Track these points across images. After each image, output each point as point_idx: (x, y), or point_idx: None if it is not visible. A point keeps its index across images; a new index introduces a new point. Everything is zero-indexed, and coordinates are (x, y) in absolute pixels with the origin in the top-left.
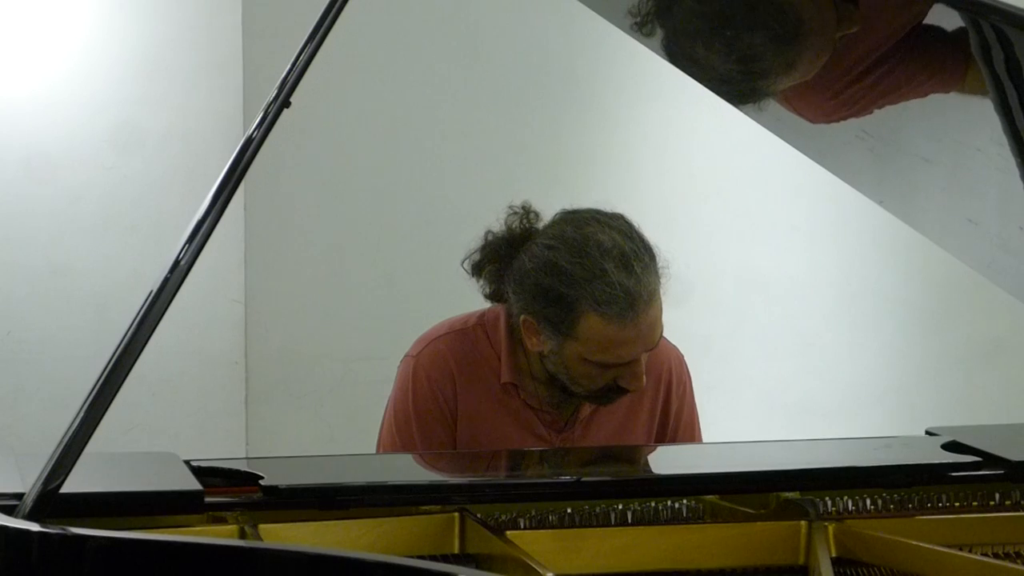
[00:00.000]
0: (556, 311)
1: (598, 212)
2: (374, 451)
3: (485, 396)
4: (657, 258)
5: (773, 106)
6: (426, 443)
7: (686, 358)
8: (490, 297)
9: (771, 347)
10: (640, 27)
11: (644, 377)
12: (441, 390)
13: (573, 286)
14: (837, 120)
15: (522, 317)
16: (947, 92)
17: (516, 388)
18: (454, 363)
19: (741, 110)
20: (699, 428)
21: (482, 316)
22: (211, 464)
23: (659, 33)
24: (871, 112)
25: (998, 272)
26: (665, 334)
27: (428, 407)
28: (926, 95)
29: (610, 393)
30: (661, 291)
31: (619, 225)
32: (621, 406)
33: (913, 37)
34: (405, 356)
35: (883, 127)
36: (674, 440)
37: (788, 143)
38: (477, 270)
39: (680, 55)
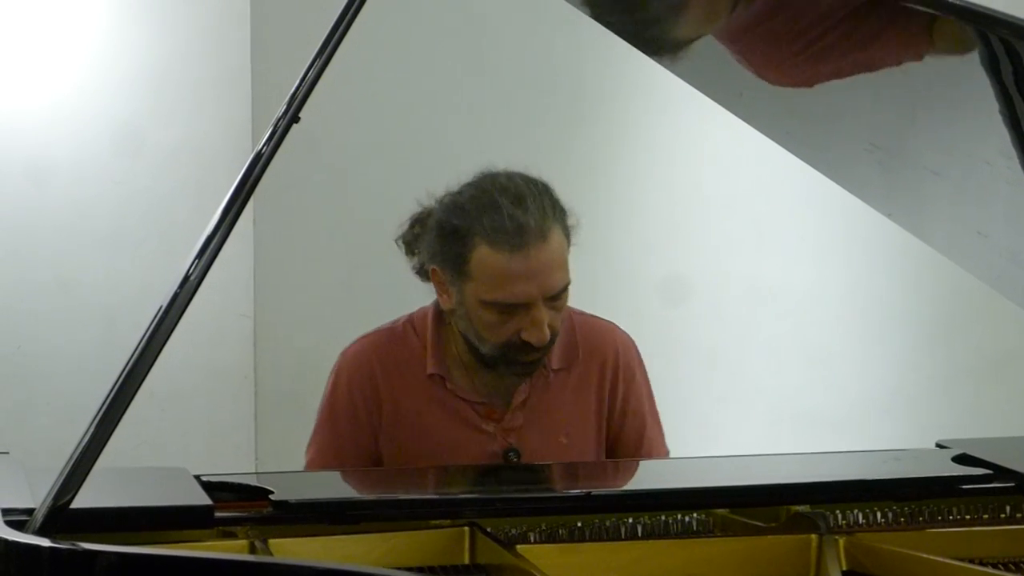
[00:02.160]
0: (452, 247)
1: (517, 171)
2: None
3: (413, 393)
4: (566, 213)
5: (776, 96)
6: (337, 441)
7: (694, 369)
8: (419, 272)
9: (780, 359)
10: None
11: (546, 332)
12: (361, 390)
13: (466, 218)
14: (805, 83)
15: (430, 268)
16: (919, 58)
17: (443, 380)
18: (377, 362)
19: (669, 67)
20: (653, 421)
21: (411, 316)
22: (221, 479)
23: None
24: (843, 75)
25: (1007, 284)
26: (670, 343)
27: (344, 406)
28: (899, 62)
29: (518, 353)
30: (565, 241)
31: (527, 176)
32: (565, 391)
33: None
34: None
35: (891, 140)
36: (620, 429)
37: (797, 156)
38: (408, 245)
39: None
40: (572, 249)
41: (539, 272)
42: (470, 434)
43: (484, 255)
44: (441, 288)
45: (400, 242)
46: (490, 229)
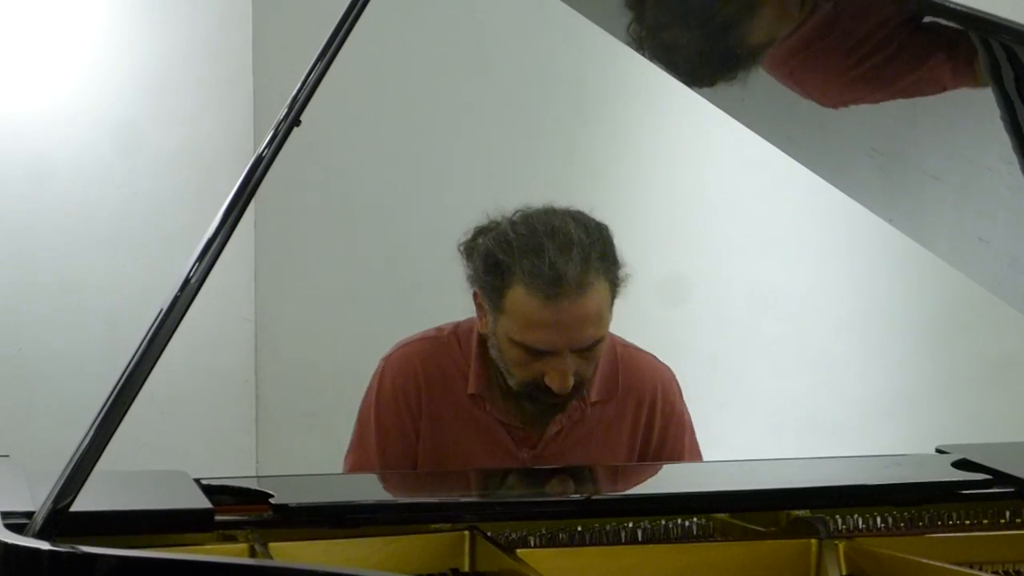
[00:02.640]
0: (493, 279)
1: (580, 212)
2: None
3: (452, 406)
4: (618, 264)
5: (778, 101)
6: (382, 446)
7: (696, 372)
8: (470, 279)
9: (781, 363)
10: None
11: (569, 380)
12: (405, 395)
13: (510, 254)
14: (850, 103)
15: (473, 290)
16: (960, 86)
17: (484, 401)
18: (422, 369)
19: (727, 109)
20: (694, 454)
21: (458, 325)
22: (221, 482)
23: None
24: (883, 98)
25: (1008, 290)
26: (671, 346)
27: (389, 411)
28: (943, 89)
29: (541, 394)
30: (608, 298)
31: (584, 220)
32: (600, 424)
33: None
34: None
35: (893, 145)
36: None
37: (798, 161)
38: (467, 254)
39: (662, 47)
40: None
41: (569, 325)
42: (502, 457)
43: (519, 296)
44: (480, 312)
45: (461, 248)
46: (529, 273)
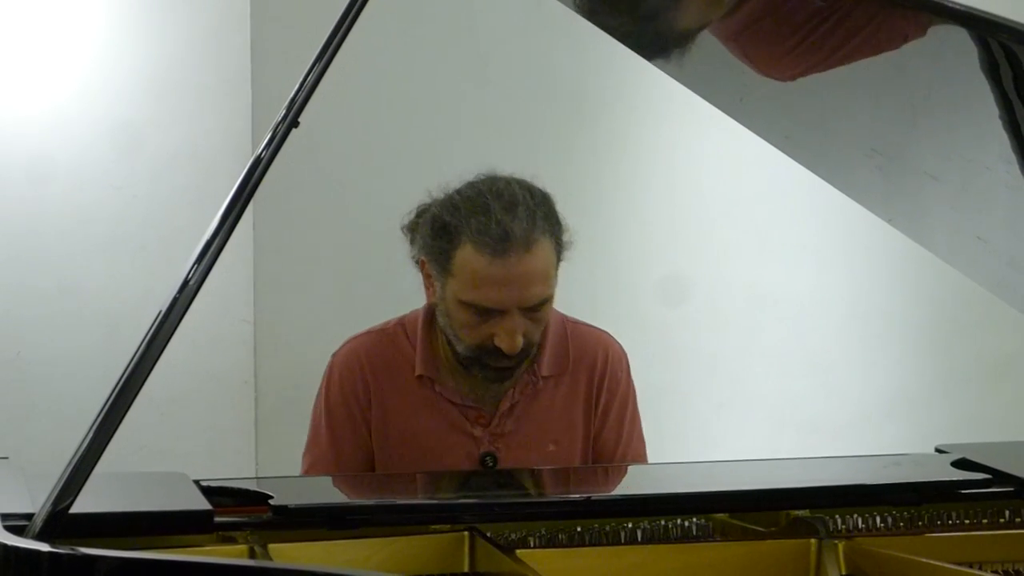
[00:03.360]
0: (440, 242)
1: (522, 179)
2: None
3: (403, 394)
4: (562, 228)
5: (776, 100)
6: (335, 442)
7: (695, 374)
8: (415, 262)
9: (780, 365)
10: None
11: (518, 340)
12: (352, 388)
13: (457, 216)
14: (802, 74)
15: (420, 259)
16: (922, 33)
17: (432, 382)
18: (367, 362)
19: (669, 71)
20: (630, 434)
21: (402, 318)
22: (221, 484)
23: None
24: (837, 63)
25: (1007, 289)
26: (671, 349)
27: (339, 407)
28: (905, 40)
29: (491, 357)
30: (553, 258)
31: (527, 185)
32: (554, 401)
33: None
34: None
35: (891, 144)
36: (597, 440)
37: (797, 161)
38: (411, 233)
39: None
40: (570, 258)
41: (516, 281)
42: (457, 437)
43: (467, 255)
44: (428, 281)
45: (405, 230)
46: (476, 231)
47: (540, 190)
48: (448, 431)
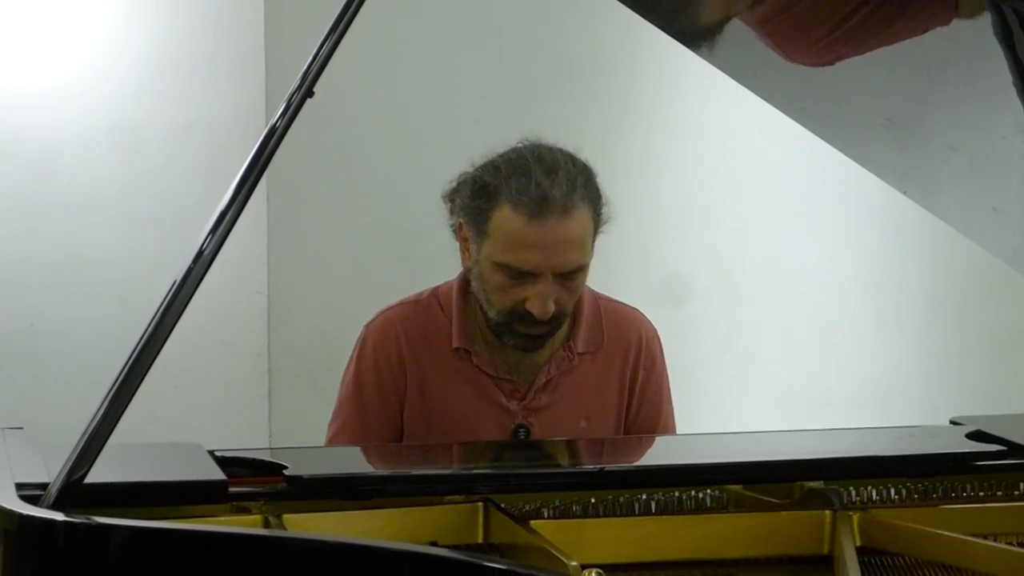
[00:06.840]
0: (479, 203)
1: (566, 149)
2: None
3: (438, 365)
4: (601, 199)
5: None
6: (364, 411)
7: (709, 350)
8: (453, 230)
9: (793, 340)
10: None
11: (550, 306)
12: (387, 359)
13: (497, 177)
14: (831, 61)
15: (458, 223)
16: (946, 23)
17: (468, 354)
18: (403, 333)
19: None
20: (667, 413)
21: (436, 289)
22: (235, 454)
23: None
24: (868, 49)
25: (1023, 261)
26: (684, 324)
27: (370, 377)
28: (925, 30)
29: (521, 323)
30: (591, 227)
31: (570, 154)
32: (589, 377)
33: None
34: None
35: (907, 115)
36: (636, 416)
37: (813, 132)
38: (450, 202)
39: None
40: (599, 235)
41: (552, 245)
42: (491, 410)
43: (504, 215)
44: (464, 245)
45: (445, 198)
46: (515, 191)
47: (583, 160)
48: (482, 403)
